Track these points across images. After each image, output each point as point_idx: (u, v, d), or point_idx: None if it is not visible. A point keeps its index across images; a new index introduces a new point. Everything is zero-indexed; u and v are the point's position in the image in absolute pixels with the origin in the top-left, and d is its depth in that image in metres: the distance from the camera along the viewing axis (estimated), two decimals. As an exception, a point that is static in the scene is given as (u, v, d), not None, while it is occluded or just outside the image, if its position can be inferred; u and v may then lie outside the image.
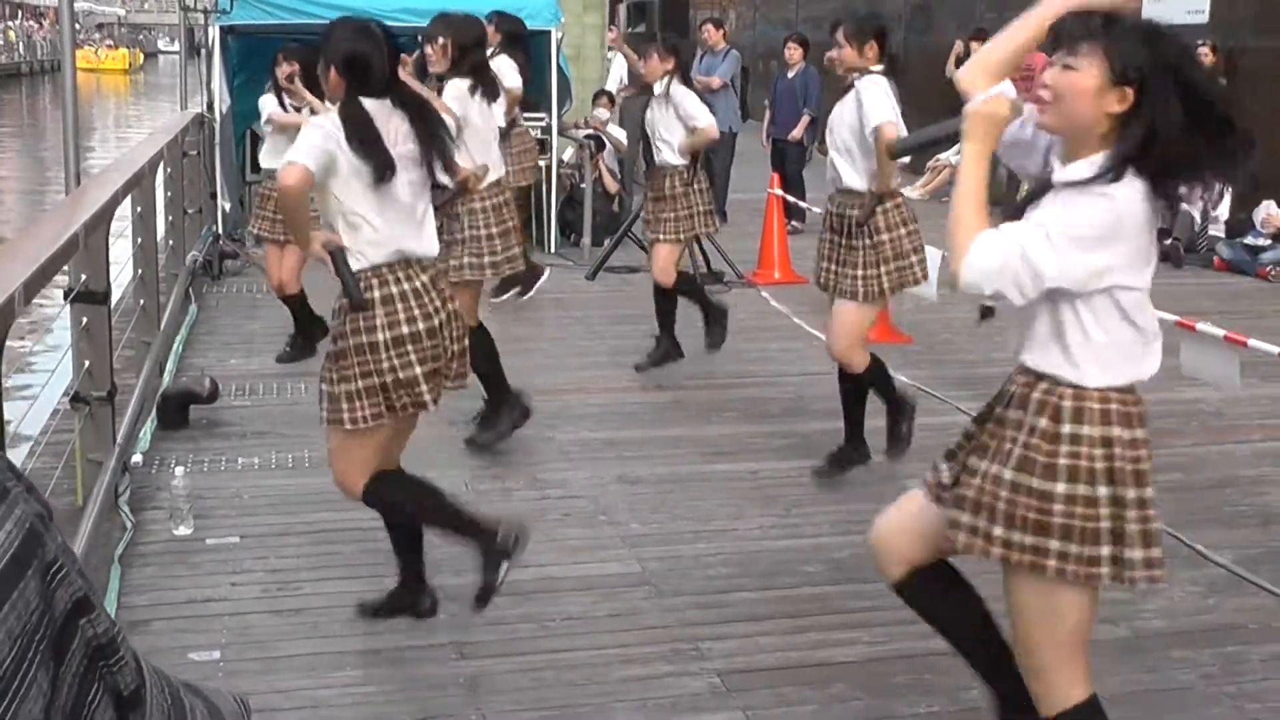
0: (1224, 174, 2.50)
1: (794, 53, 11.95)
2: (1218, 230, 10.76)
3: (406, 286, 3.70)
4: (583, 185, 10.56)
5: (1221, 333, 5.16)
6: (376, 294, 3.66)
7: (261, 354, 7.14)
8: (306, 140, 3.60)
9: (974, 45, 13.85)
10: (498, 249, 5.70)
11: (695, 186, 6.61)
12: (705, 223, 6.72)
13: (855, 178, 5.14)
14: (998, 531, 2.53)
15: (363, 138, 3.62)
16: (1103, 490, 2.47)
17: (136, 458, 5.32)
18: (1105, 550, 2.47)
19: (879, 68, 5.18)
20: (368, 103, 3.68)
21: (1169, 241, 10.84)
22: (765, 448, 5.74)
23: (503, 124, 8.33)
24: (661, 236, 6.64)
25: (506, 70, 8.50)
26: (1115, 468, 2.48)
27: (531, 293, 8.41)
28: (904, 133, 4.90)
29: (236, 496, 5.05)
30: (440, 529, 3.94)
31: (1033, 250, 2.38)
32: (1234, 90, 11.09)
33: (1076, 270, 2.41)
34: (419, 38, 10.98)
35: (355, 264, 3.66)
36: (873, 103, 5.04)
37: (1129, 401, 2.53)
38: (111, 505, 4.75)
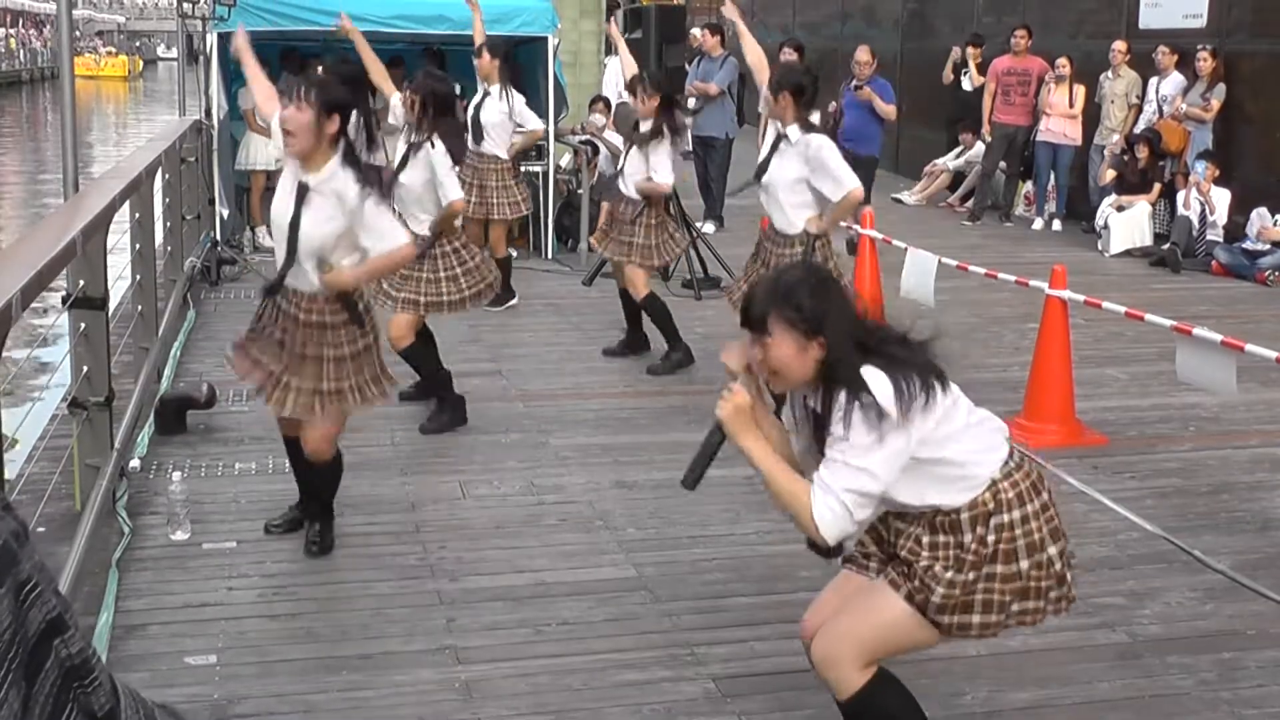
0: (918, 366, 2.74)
1: (790, 58, 11.94)
2: (1216, 235, 10.76)
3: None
4: (579, 191, 10.57)
5: (1219, 337, 5.16)
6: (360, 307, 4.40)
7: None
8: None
9: (971, 51, 13.88)
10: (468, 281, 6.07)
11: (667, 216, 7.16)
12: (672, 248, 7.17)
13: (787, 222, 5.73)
14: (935, 599, 2.81)
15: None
16: (1026, 563, 2.81)
17: (134, 463, 5.32)
18: (1001, 616, 2.84)
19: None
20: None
21: (1167, 246, 10.85)
22: (762, 453, 5.74)
23: (502, 154, 8.47)
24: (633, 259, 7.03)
25: (529, 116, 8.68)
26: (1034, 540, 2.82)
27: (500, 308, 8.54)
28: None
29: (233, 501, 5.05)
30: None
31: (856, 485, 2.68)
32: (1232, 94, 11.12)
33: (892, 467, 2.70)
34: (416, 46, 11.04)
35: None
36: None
37: (1027, 475, 2.86)
38: (109, 510, 4.75)
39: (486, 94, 8.47)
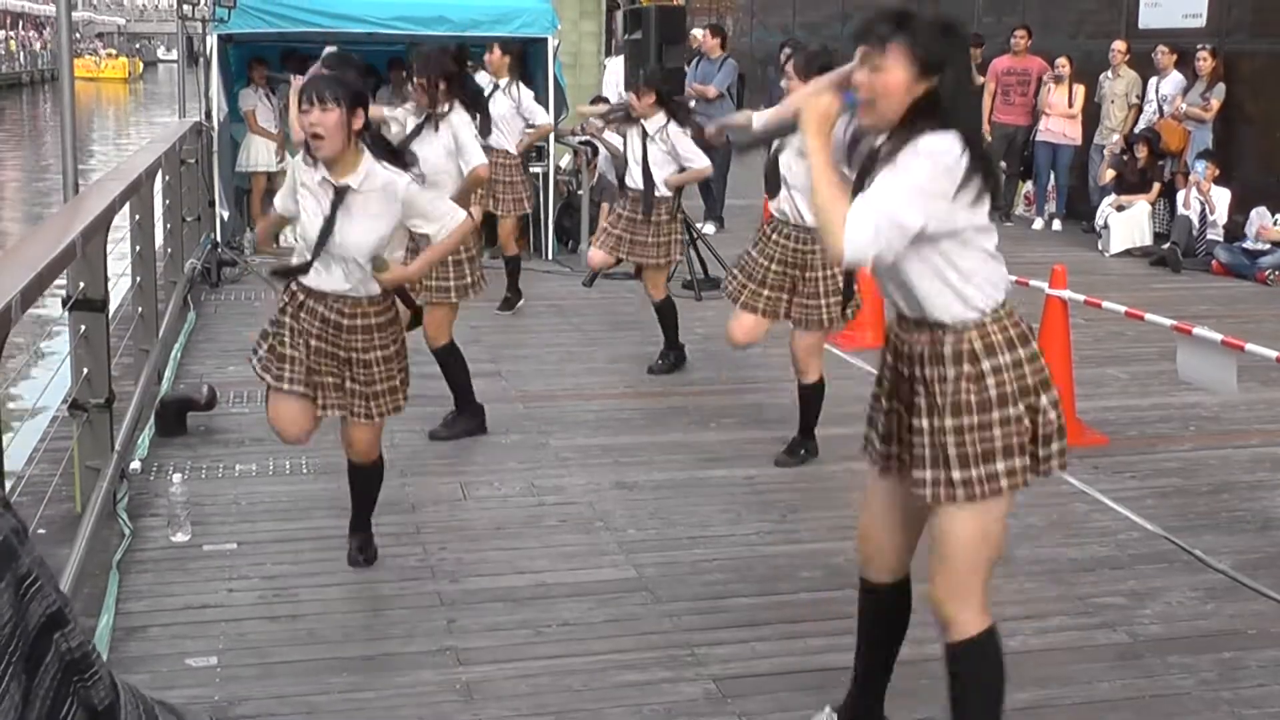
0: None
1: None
2: (1216, 234, 10.75)
3: None
4: (579, 192, 10.58)
5: (1219, 337, 5.16)
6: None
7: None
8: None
9: (972, 51, 13.86)
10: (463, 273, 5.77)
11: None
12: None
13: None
14: (956, 475, 2.80)
15: None
16: (1022, 406, 2.81)
17: (135, 464, 5.32)
18: (1023, 459, 2.82)
19: None
20: None
21: (1167, 246, 10.85)
22: (762, 453, 5.74)
23: (511, 148, 8.39)
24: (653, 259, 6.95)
25: (538, 110, 8.58)
26: (1028, 384, 2.82)
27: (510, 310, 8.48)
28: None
29: (234, 503, 5.05)
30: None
31: (895, 212, 2.64)
32: (1232, 94, 11.12)
33: (931, 215, 2.67)
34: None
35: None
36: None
37: (1017, 324, 2.86)
38: (110, 512, 4.75)
39: (495, 86, 8.42)
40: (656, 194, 6.82)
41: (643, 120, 6.85)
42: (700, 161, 6.84)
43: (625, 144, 7.12)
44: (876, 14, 2.75)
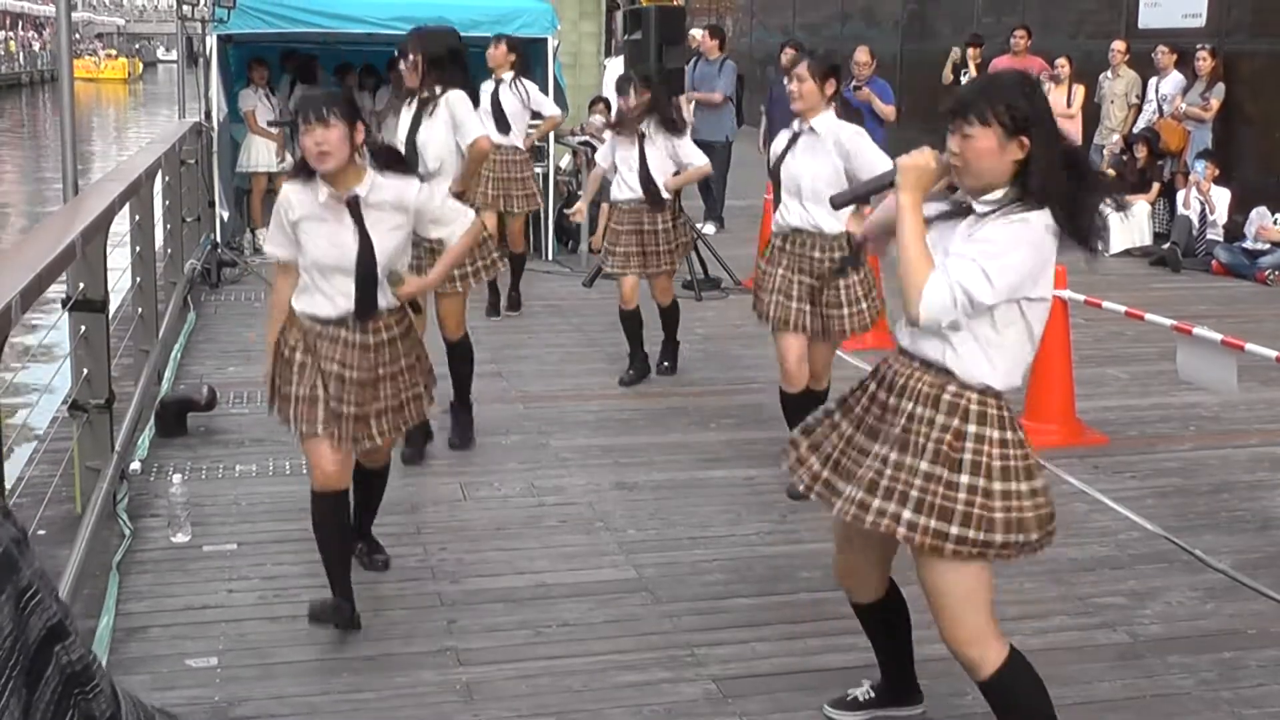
0: (1105, 199, 2.92)
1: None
2: (1216, 234, 10.75)
3: None
4: (579, 192, 10.57)
5: (1219, 337, 5.16)
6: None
7: (259, 361, 7.11)
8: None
9: (970, 51, 13.87)
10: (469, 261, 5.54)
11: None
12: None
13: (832, 221, 5.02)
14: (907, 515, 2.85)
15: None
16: (996, 485, 2.83)
17: (135, 465, 5.32)
18: (979, 533, 2.82)
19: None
20: None
21: (1167, 246, 10.85)
22: (762, 453, 5.74)
23: (520, 144, 8.34)
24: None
25: (545, 102, 8.49)
26: (1009, 466, 2.84)
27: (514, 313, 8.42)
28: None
29: (234, 504, 5.05)
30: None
31: (969, 284, 2.75)
32: (1232, 94, 11.12)
33: (1005, 290, 2.78)
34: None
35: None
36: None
37: (1008, 406, 2.92)
38: (110, 512, 4.75)
39: (499, 82, 8.30)
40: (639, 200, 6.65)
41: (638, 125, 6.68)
42: (699, 160, 6.73)
43: (612, 153, 6.82)
44: (965, 88, 2.98)
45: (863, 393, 3.06)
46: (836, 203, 3.27)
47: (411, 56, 5.51)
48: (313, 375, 3.89)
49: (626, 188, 6.73)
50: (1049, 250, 2.83)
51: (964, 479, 2.82)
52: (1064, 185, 2.80)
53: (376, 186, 3.90)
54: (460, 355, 5.78)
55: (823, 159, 4.97)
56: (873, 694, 3.52)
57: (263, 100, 10.86)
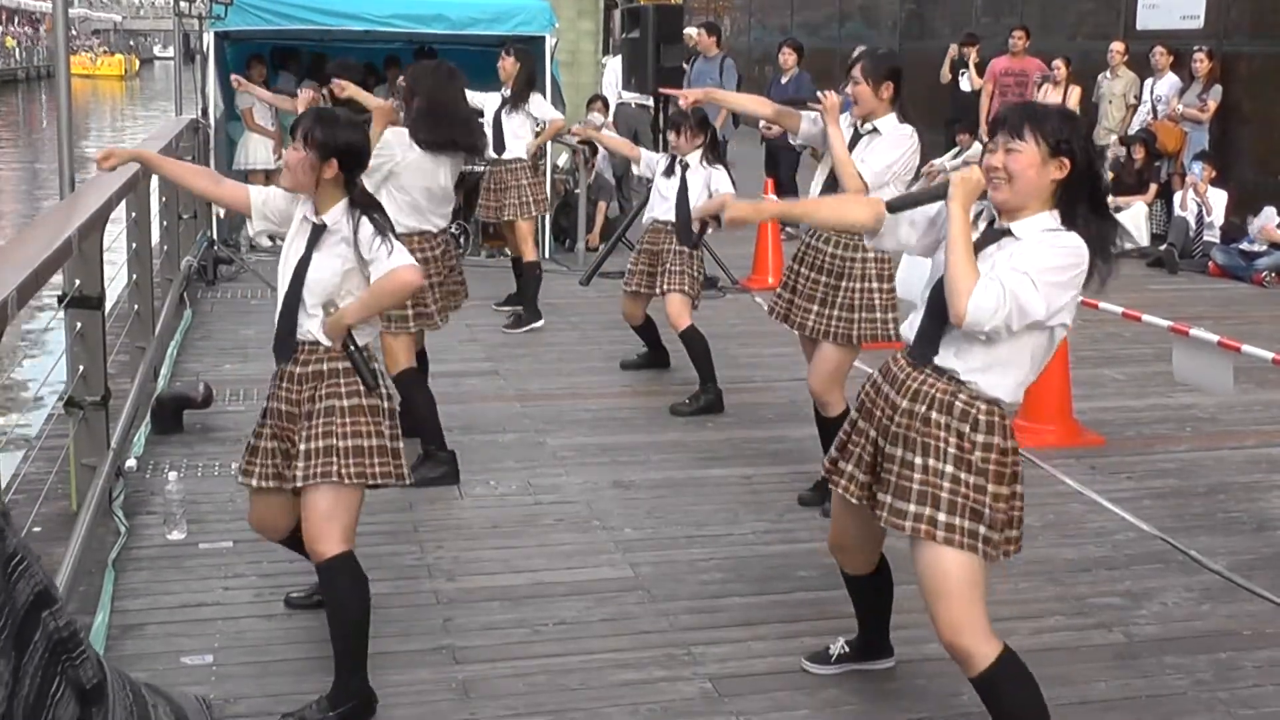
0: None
1: (788, 58, 11.96)
2: (1212, 236, 10.76)
3: None
4: (577, 191, 10.56)
5: (1215, 338, 5.17)
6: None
7: (255, 359, 7.12)
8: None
9: (968, 51, 13.87)
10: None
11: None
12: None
13: None
14: (942, 518, 3.01)
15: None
16: (1005, 489, 3.05)
17: (130, 462, 5.31)
18: (1013, 533, 3.08)
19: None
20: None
21: (1164, 247, 10.86)
22: (759, 452, 5.75)
23: (525, 155, 8.31)
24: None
25: (546, 108, 8.44)
26: (1010, 472, 3.06)
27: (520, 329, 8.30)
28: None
29: (230, 501, 5.04)
30: None
31: (1023, 296, 2.89)
32: (1229, 95, 11.13)
33: (1053, 309, 2.92)
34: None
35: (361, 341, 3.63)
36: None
37: (1008, 416, 3.10)
38: (105, 510, 4.74)
39: (504, 99, 8.23)
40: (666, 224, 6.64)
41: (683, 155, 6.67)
42: (726, 189, 6.43)
43: (654, 168, 6.89)
44: (1007, 107, 3.14)
45: (877, 394, 3.22)
46: (893, 206, 3.32)
47: (405, 89, 5.62)
48: (265, 420, 3.66)
49: (660, 210, 6.75)
50: (1086, 275, 2.97)
51: (990, 485, 3.02)
52: (1097, 210, 3.00)
53: (339, 221, 3.61)
54: (403, 394, 5.12)
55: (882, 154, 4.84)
56: (848, 649, 3.76)
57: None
